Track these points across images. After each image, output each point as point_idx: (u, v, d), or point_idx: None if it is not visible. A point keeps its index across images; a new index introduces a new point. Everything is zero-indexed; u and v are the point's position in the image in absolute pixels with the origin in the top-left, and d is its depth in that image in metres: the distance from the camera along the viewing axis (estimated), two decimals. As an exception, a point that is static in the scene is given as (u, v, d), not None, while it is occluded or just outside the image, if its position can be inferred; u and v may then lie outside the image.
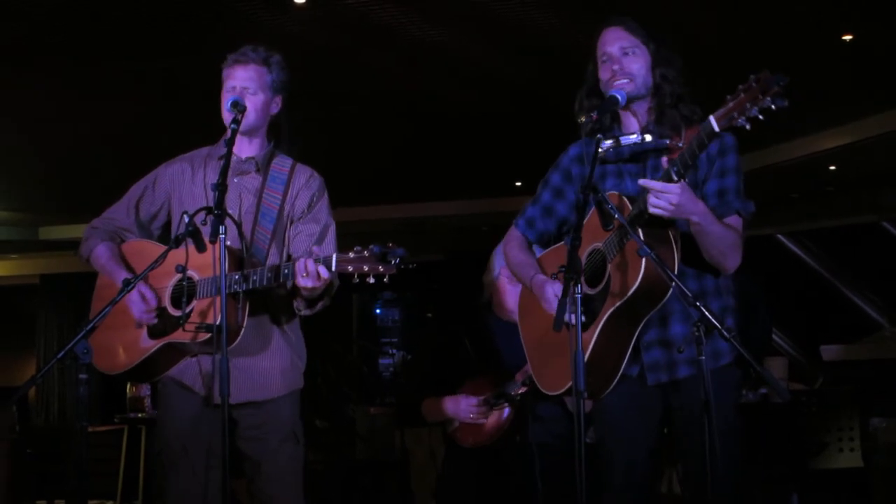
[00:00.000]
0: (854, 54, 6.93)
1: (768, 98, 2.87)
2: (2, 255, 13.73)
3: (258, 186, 3.80)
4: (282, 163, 3.86)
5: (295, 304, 3.72)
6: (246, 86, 3.72)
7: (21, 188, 10.65)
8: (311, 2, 5.82)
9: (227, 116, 3.67)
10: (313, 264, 3.40)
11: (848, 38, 6.63)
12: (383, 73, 7.25)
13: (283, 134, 3.92)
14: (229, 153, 3.51)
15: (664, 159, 3.17)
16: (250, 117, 3.71)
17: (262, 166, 3.82)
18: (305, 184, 3.84)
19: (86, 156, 9.22)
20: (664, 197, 3.07)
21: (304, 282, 3.43)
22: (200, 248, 3.41)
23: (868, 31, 6.54)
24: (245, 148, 3.81)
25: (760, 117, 2.91)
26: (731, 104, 2.95)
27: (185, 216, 3.40)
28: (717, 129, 2.99)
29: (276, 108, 3.84)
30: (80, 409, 3.16)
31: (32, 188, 10.67)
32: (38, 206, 11.33)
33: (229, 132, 3.55)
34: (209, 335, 3.50)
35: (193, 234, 3.38)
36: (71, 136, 8.59)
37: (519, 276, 3.66)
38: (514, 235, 3.71)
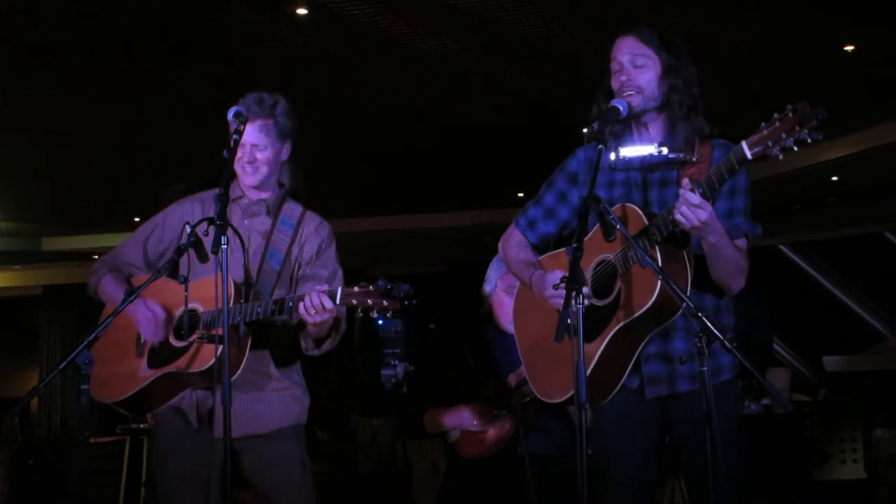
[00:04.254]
0: (856, 65, 6.93)
1: (805, 131, 2.85)
2: (4, 266, 13.73)
3: (268, 229, 3.84)
4: (292, 209, 3.89)
5: (303, 343, 3.73)
6: (255, 143, 3.75)
7: (24, 199, 10.65)
8: (315, 13, 5.83)
9: (240, 173, 3.76)
10: (318, 297, 3.41)
11: (850, 48, 6.64)
12: (386, 84, 7.26)
13: (292, 177, 3.93)
14: (232, 159, 3.53)
15: (686, 180, 3.13)
16: (262, 171, 3.77)
17: (273, 209, 3.86)
18: (315, 231, 3.87)
19: (88, 167, 9.23)
20: (696, 210, 3.04)
21: (310, 318, 3.45)
22: (202, 258, 3.42)
23: (870, 42, 6.54)
24: (256, 194, 3.86)
25: (795, 148, 2.89)
26: (765, 132, 2.91)
27: (186, 227, 3.41)
28: (749, 156, 2.95)
29: (286, 154, 3.87)
30: (82, 420, 3.16)
31: (35, 199, 10.68)
32: (40, 217, 11.34)
33: (255, 182, 3.62)
34: (210, 363, 3.49)
35: (195, 244, 3.39)
36: (74, 148, 8.60)
37: (518, 275, 3.64)
38: (513, 235, 3.68)
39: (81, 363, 3.06)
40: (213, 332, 3.53)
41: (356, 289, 3.39)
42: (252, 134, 3.74)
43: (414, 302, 3.42)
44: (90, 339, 3.14)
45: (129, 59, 6.51)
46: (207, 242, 3.36)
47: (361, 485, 9.11)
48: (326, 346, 3.72)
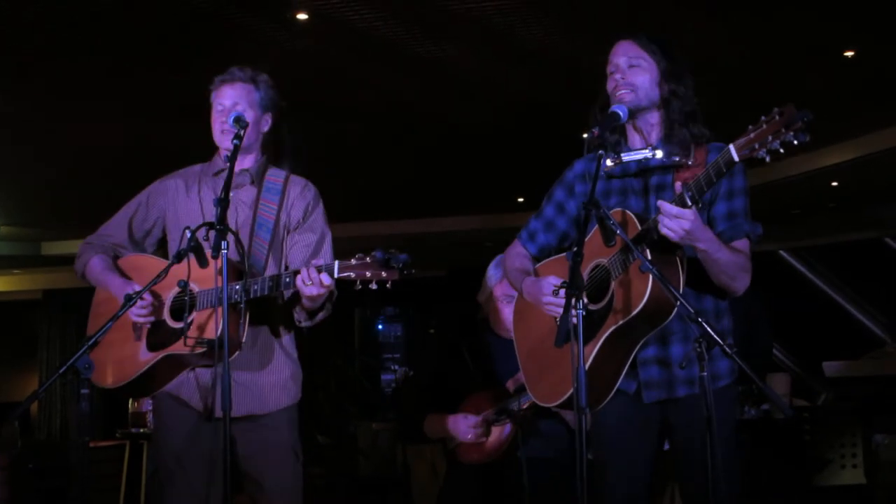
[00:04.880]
0: (856, 70, 6.94)
1: (791, 133, 2.85)
2: (4, 270, 13.74)
3: (253, 198, 3.82)
4: (275, 175, 3.87)
5: (295, 315, 3.72)
6: (235, 102, 3.75)
7: (24, 203, 10.66)
8: (315, 18, 5.84)
9: (219, 138, 3.74)
10: (315, 272, 3.40)
11: (850, 53, 6.64)
12: (386, 89, 7.27)
13: (285, 150, 3.93)
14: (231, 167, 3.51)
15: (678, 184, 3.15)
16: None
17: (256, 178, 3.84)
18: (300, 194, 3.85)
19: (89, 171, 9.24)
20: (677, 221, 3.05)
21: (307, 290, 3.43)
22: (202, 263, 3.42)
23: (870, 47, 6.55)
24: (238, 163, 3.78)
25: (781, 151, 2.89)
26: (752, 134, 2.92)
27: (186, 231, 3.41)
28: (737, 158, 2.96)
29: (266, 125, 3.85)
30: (82, 424, 3.16)
31: (35, 203, 10.68)
32: (40, 221, 11.35)
33: (231, 147, 3.56)
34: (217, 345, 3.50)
35: (196, 249, 3.39)
36: (74, 152, 8.60)
37: (513, 284, 3.68)
38: (514, 247, 3.72)
39: (81, 367, 3.06)
40: (208, 334, 3.54)
41: (353, 261, 3.37)
42: (231, 95, 3.75)
43: (413, 271, 3.40)
44: (89, 343, 3.13)
45: (130, 63, 6.52)
46: (207, 247, 3.37)
47: (361, 489, 9.12)
48: (320, 317, 3.69)
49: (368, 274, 3.36)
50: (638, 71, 3.38)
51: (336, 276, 3.39)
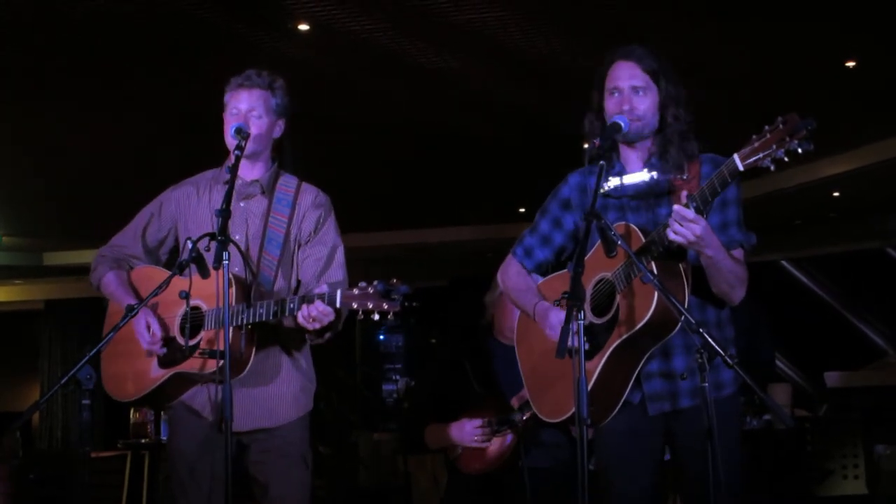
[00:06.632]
0: (857, 80, 6.94)
1: (795, 141, 2.86)
2: (6, 280, 13.73)
3: (264, 209, 3.80)
4: (287, 183, 3.86)
5: (306, 334, 3.72)
6: (251, 107, 3.75)
7: (26, 214, 10.66)
8: (316, 28, 5.85)
9: (230, 142, 3.69)
10: (316, 310, 3.41)
11: (851, 64, 6.65)
12: (387, 100, 7.28)
13: (285, 158, 3.93)
14: (233, 179, 3.51)
15: (683, 193, 3.15)
16: (255, 141, 3.72)
17: (268, 189, 3.82)
18: (312, 205, 3.83)
19: (90, 181, 9.24)
20: (689, 226, 3.05)
21: (308, 326, 3.46)
22: (204, 274, 3.42)
23: (871, 58, 6.55)
24: (249, 170, 3.80)
25: (786, 159, 2.90)
26: (756, 144, 2.93)
27: (188, 242, 3.41)
28: (741, 168, 2.96)
29: (278, 131, 3.85)
30: (83, 435, 3.16)
31: (37, 214, 10.68)
32: (42, 231, 11.34)
33: (233, 158, 3.56)
34: (220, 363, 3.50)
35: (197, 260, 3.39)
36: (76, 162, 8.61)
37: (519, 304, 3.65)
38: (511, 265, 3.70)
39: (83, 378, 3.06)
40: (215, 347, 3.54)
41: (356, 291, 3.38)
42: (248, 100, 3.75)
43: (414, 303, 3.42)
44: (91, 354, 3.14)
45: (131, 72, 6.53)
46: (209, 257, 3.38)
47: (362, 499, 9.11)
48: (328, 335, 3.68)
49: (370, 305, 3.37)
50: (642, 98, 3.38)
51: (338, 305, 3.40)
